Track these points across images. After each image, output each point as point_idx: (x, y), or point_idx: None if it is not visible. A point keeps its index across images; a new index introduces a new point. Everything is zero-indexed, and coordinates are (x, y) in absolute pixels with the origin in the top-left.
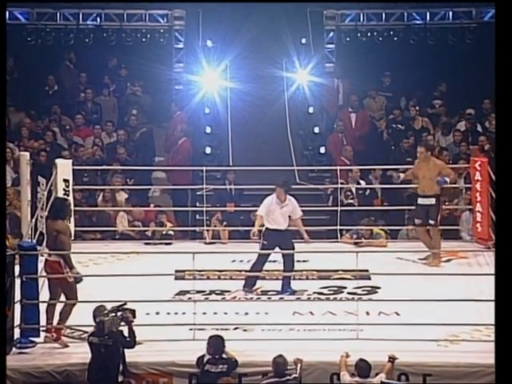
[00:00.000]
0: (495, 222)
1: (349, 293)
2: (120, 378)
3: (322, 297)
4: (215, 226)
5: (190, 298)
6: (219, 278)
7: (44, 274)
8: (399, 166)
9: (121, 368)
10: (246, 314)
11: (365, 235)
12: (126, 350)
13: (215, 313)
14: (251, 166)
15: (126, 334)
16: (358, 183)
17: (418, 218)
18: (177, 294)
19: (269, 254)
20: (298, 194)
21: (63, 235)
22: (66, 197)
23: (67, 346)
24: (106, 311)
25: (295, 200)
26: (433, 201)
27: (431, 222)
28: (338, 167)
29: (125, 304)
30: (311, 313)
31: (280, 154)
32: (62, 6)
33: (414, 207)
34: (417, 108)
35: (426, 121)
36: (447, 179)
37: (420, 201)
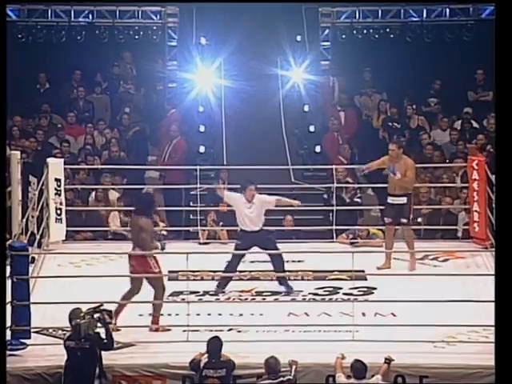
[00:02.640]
0: (495, 222)
1: (344, 293)
2: (96, 382)
3: (318, 298)
4: (212, 227)
5: (183, 299)
6: (213, 279)
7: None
8: None
9: (97, 372)
10: (241, 315)
11: (361, 235)
12: (117, 352)
13: (209, 314)
14: (245, 165)
15: (103, 335)
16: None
17: (387, 217)
18: (170, 295)
19: (243, 255)
20: (293, 193)
21: (145, 233)
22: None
23: (168, 330)
24: (81, 314)
25: (259, 194)
26: (404, 200)
27: (403, 220)
28: (334, 166)
29: (101, 305)
30: (306, 314)
31: (275, 153)
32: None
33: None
34: (413, 107)
35: (422, 119)
36: (397, 172)
37: (390, 200)
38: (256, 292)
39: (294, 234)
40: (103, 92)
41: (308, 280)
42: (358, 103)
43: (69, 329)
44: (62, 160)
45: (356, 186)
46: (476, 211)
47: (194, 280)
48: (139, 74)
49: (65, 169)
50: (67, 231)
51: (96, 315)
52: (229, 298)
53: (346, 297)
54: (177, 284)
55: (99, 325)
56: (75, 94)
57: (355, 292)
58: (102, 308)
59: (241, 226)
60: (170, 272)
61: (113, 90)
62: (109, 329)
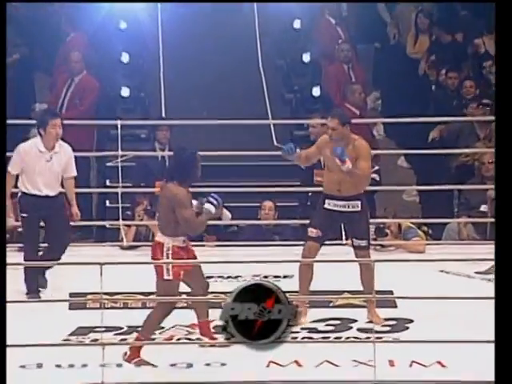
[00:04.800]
0: (495, 223)
1: (360, 329)
2: None
3: (316, 336)
4: (141, 220)
5: (95, 340)
6: (145, 307)
7: None
8: (439, 119)
9: None
10: (189, 365)
11: (390, 233)
12: None
13: (137, 364)
14: (196, 118)
15: None
16: None
17: (315, 227)
18: (72, 334)
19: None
20: (274, 165)
21: (184, 208)
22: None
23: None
24: None
25: (69, 146)
26: (356, 205)
27: (360, 242)
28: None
29: None
30: (297, 363)
31: (245, 99)
32: None
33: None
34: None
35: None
36: (347, 158)
37: (330, 204)
38: (213, 326)
39: (277, 232)
40: None
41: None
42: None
43: None
44: None
45: (377, 152)
46: None
47: (114, 308)
48: None
49: None
50: None
51: None
52: (171, 338)
53: (362, 334)
54: (84, 314)
55: None
56: None
57: (378, 327)
58: None
59: (25, 188)
60: (71, 295)
61: None
62: None
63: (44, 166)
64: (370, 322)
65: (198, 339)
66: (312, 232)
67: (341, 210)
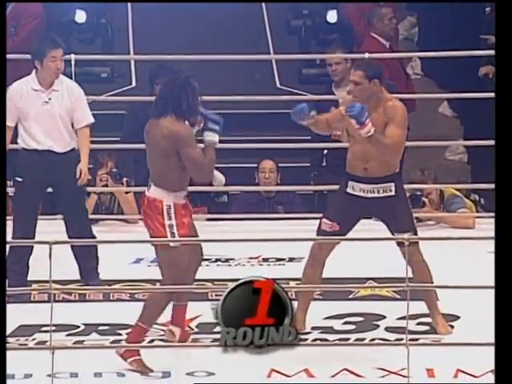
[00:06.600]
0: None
1: (389, 328)
2: None
3: (332, 337)
4: (105, 186)
5: (43, 343)
6: (108, 299)
7: None
8: (484, 52)
9: None
10: (166, 375)
11: (427, 204)
12: None
13: (98, 374)
14: (176, 53)
15: None
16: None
17: (330, 220)
18: (12, 335)
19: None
20: (277, 113)
21: (189, 148)
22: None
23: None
24: None
25: (76, 84)
26: (388, 188)
27: (403, 232)
28: (367, 55)
29: None
30: (308, 372)
31: (238, 27)
32: None
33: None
34: None
35: None
36: (366, 119)
37: (354, 188)
38: (197, 325)
39: (280, 202)
40: None
41: (310, 299)
42: None
43: None
44: None
45: (413, 96)
46: None
47: (66, 301)
48: None
49: None
50: None
51: None
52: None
53: (392, 335)
54: (29, 309)
55: None
56: None
57: (413, 326)
58: None
59: (27, 144)
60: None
61: None
62: None
63: (41, 109)
64: (404, 318)
65: (183, 341)
66: (326, 225)
67: (368, 197)
